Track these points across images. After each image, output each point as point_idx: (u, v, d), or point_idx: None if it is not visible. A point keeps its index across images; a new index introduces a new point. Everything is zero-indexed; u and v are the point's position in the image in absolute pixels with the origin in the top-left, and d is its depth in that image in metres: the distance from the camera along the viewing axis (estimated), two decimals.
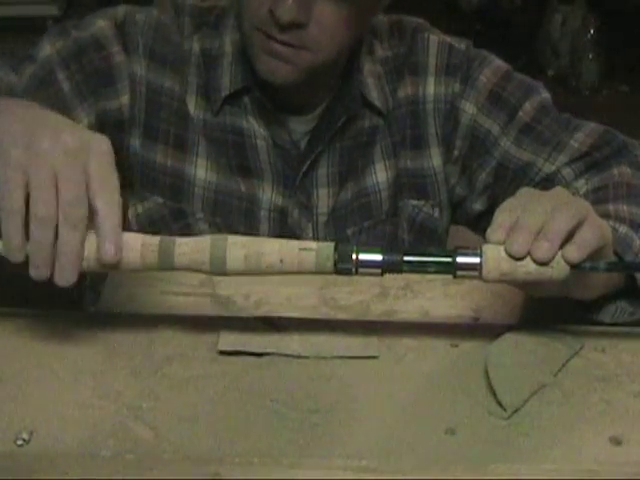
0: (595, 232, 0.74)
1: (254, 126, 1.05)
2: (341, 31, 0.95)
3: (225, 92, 1.04)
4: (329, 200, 1.08)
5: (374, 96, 1.06)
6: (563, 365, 0.76)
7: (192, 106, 1.05)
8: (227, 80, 1.04)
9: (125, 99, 1.03)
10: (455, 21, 2.67)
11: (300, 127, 1.06)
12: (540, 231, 0.72)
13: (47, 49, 1.02)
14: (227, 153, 1.06)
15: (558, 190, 0.81)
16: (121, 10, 1.05)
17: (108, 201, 0.70)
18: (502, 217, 0.74)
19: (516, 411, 0.71)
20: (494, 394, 0.72)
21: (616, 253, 0.82)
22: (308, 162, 1.06)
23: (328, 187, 1.08)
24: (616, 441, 0.69)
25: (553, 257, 0.71)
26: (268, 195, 1.07)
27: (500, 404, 0.72)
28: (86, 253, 0.71)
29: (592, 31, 2.78)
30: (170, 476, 0.67)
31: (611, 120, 1.09)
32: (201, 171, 1.06)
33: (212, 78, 1.04)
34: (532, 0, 2.98)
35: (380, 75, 1.08)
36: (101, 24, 1.03)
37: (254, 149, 1.06)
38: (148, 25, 1.04)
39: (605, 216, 0.90)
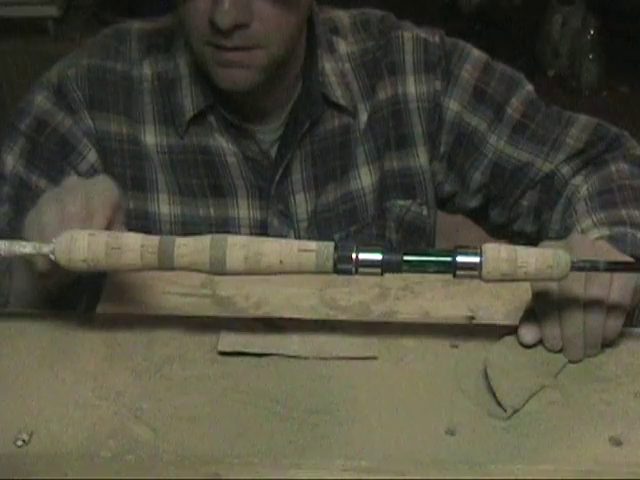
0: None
1: (222, 143, 1.04)
2: (285, 18, 0.94)
3: (189, 114, 1.03)
4: (308, 205, 1.07)
5: (338, 95, 1.05)
6: (563, 366, 0.76)
7: (151, 136, 1.04)
8: (189, 102, 1.03)
9: (92, 156, 1.04)
10: (454, 21, 2.66)
11: (268, 136, 1.06)
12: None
13: (9, 162, 1.03)
14: (198, 174, 1.05)
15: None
16: (53, 73, 1.05)
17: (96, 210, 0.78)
18: (550, 330, 0.76)
19: (516, 412, 0.71)
20: (494, 395, 0.72)
21: (634, 257, 0.83)
22: (281, 170, 1.05)
23: (305, 192, 1.07)
24: (616, 441, 0.69)
25: None
26: (245, 210, 1.06)
27: (500, 405, 0.72)
28: (87, 254, 0.72)
29: (592, 31, 2.78)
30: (170, 476, 0.67)
31: (611, 120, 1.09)
32: (164, 207, 1.05)
33: (172, 102, 1.03)
34: (532, 0, 2.98)
35: (345, 72, 1.06)
36: (38, 100, 1.04)
37: (225, 166, 1.05)
38: (80, 76, 1.04)
39: (620, 223, 0.92)
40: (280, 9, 0.93)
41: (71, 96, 1.04)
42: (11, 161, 1.03)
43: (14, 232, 0.99)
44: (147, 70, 1.05)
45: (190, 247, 0.72)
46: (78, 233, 0.73)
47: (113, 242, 0.72)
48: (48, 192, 0.82)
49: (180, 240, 0.73)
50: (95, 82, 1.04)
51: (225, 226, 1.06)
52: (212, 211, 1.06)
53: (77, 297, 0.93)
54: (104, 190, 0.80)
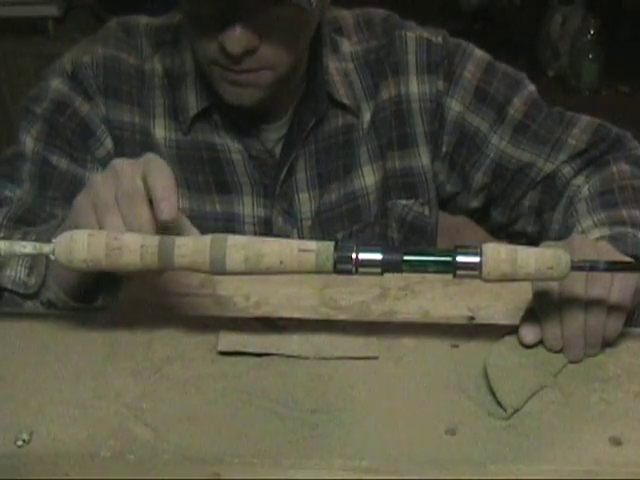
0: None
1: (227, 141, 1.05)
2: (293, 41, 0.94)
3: (193, 111, 1.03)
4: (312, 204, 1.08)
5: (342, 94, 1.05)
6: (564, 366, 0.76)
7: (161, 129, 1.05)
8: (193, 99, 1.03)
9: (108, 143, 1.04)
10: (454, 21, 2.66)
11: (272, 135, 1.06)
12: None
13: (28, 142, 1.03)
14: (203, 170, 1.05)
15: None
16: (67, 60, 1.05)
17: (157, 178, 0.74)
18: (551, 330, 0.76)
19: (516, 411, 0.71)
20: (494, 394, 0.72)
21: (634, 257, 0.82)
22: (285, 169, 1.05)
23: (309, 191, 1.07)
24: (616, 441, 0.69)
25: None
26: (250, 208, 1.06)
27: (500, 404, 0.72)
28: (87, 254, 0.72)
29: (592, 31, 2.77)
30: (170, 476, 0.67)
31: (611, 120, 1.09)
32: None
33: (178, 98, 1.04)
34: (532, 0, 2.98)
35: (349, 71, 1.07)
36: (54, 84, 1.04)
37: (230, 163, 1.05)
38: (96, 64, 1.04)
39: (620, 223, 0.92)
40: (290, 32, 0.93)
41: (87, 82, 1.04)
42: (30, 142, 1.03)
43: (39, 209, 0.98)
44: (158, 66, 1.06)
45: (190, 247, 0.72)
46: (78, 233, 0.73)
47: (113, 242, 0.72)
48: (98, 174, 0.80)
49: (180, 240, 0.73)
50: (110, 71, 1.05)
51: (231, 222, 1.06)
52: (218, 207, 1.06)
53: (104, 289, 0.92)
54: (161, 165, 0.77)
